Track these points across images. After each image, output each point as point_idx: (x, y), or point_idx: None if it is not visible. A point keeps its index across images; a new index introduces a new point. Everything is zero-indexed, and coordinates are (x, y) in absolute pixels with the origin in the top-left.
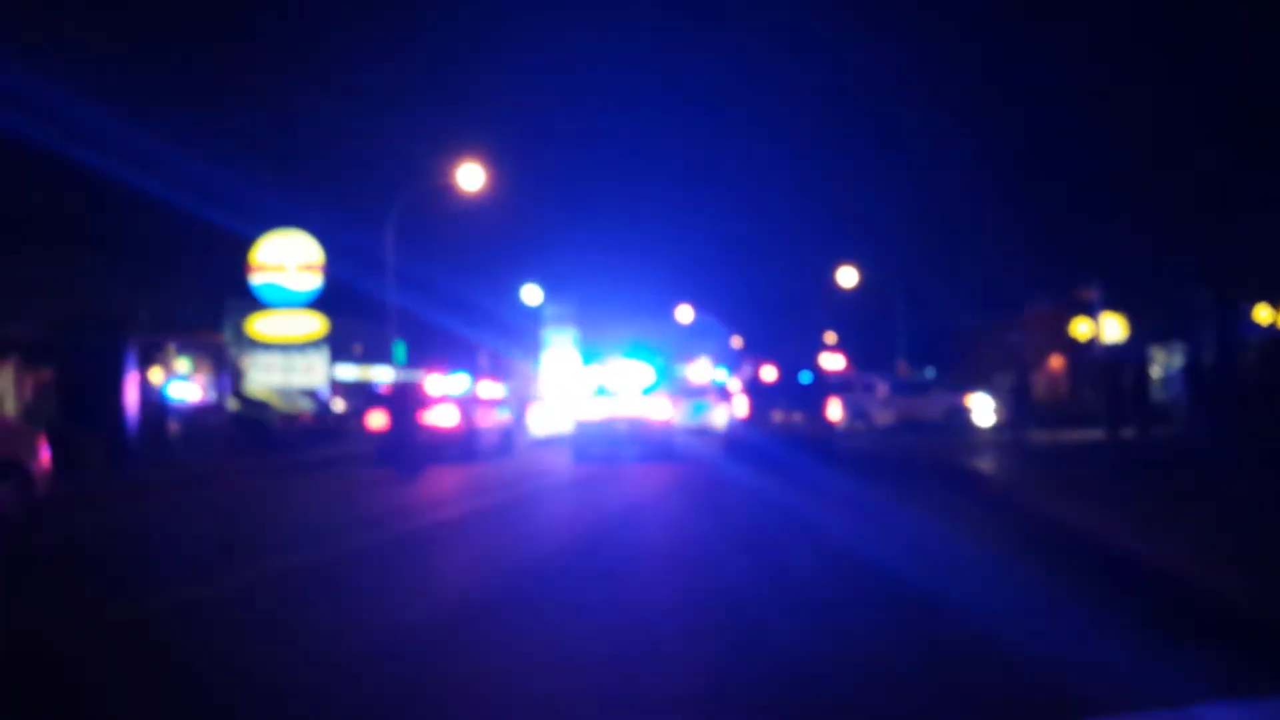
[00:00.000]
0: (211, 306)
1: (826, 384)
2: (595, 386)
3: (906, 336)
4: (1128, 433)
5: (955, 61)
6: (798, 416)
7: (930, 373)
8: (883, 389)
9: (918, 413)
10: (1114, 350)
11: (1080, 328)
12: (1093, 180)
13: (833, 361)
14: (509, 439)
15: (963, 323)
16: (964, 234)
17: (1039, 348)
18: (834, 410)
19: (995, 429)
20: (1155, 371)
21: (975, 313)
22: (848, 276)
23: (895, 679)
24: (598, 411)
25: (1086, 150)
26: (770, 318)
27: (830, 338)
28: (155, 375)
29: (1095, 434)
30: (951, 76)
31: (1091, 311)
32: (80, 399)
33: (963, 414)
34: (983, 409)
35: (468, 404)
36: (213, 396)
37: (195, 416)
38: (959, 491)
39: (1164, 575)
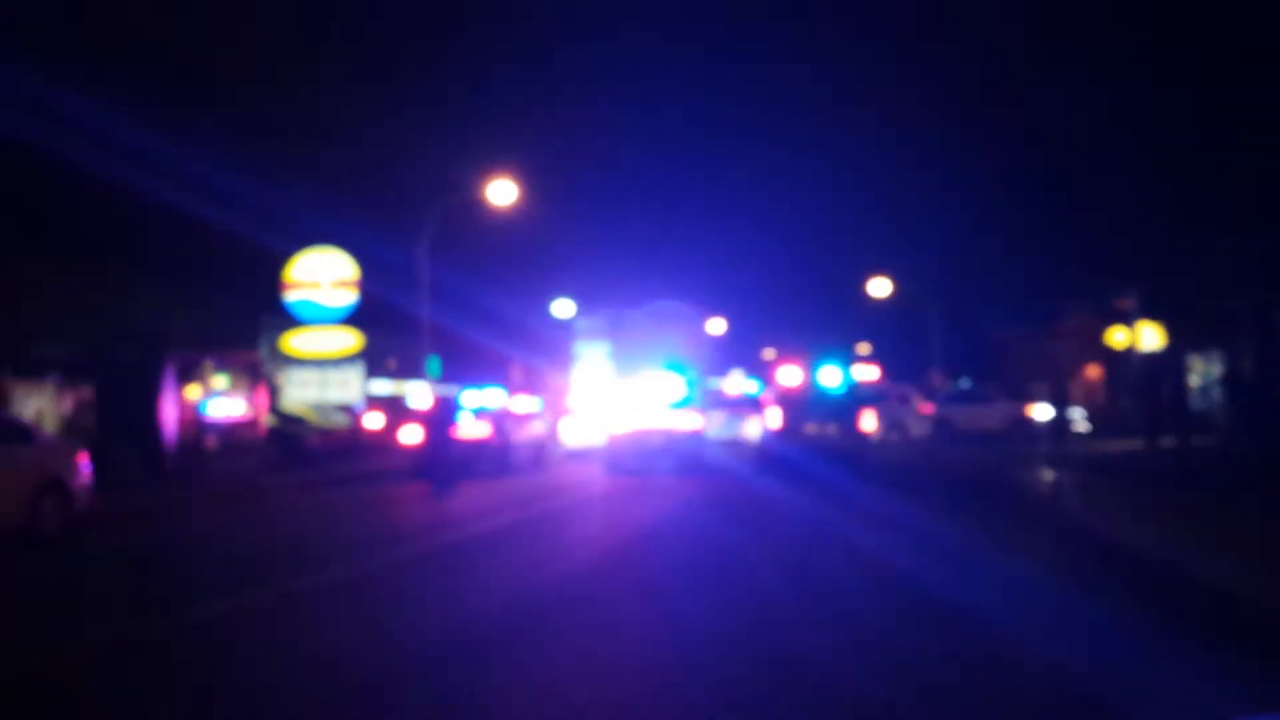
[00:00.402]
0: (248, 324)
1: (860, 395)
2: (627, 400)
3: (942, 347)
4: (1167, 442)
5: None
6: (831, 428)
7: (965, 383)
8: (917, 399)
9: (976, 423)
10: (1152, 360)
11: (1117, 337)
12: (1130, 188)
13: (867, 373)
14: (542, 453)
15: (998, 333)
16: (1000, 244)
17: (1076, 358)
18: (868, 421)
19: (1054, 439)
20: (1193, 381)
21: (1011, 323)
22: (881, 287)
23: (930, 694)
24: (630, 424)
25: (1124, 159)
26: (803, 329)
27: (864, 349)
28: (193, 392)
29: (1134, 444)
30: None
31: (1129, 320)
32: (120, 416)
33: (1024, 424)
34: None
35: (501, 418)
36: (249, 412)
37: (232, 432)
38: (993, 503)
39: (1212, 588)
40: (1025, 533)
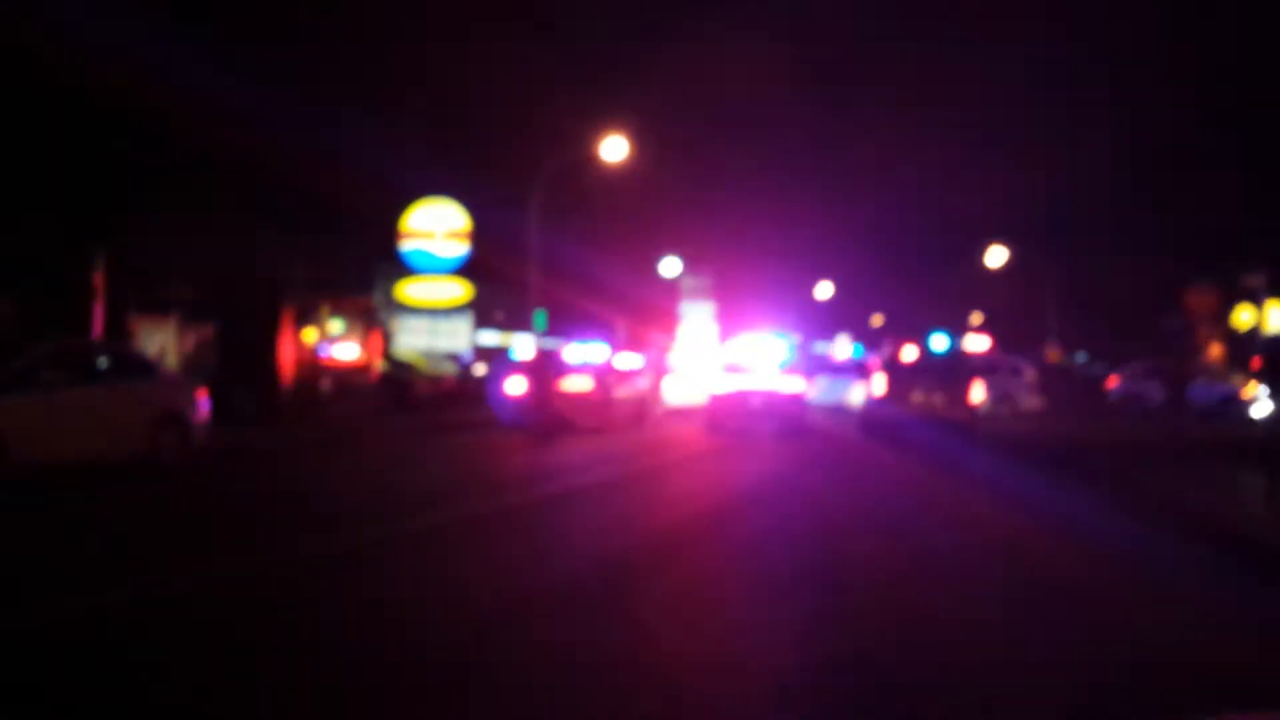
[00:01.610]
0: (364, 270)
1: (970, 365)
2: (729, 360)
3: (1058, 319)
4: None
5: (1123, 38)
6: (938, 398)
7: (1081, 357)
8: (1030, 373)
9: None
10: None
11: (1242, 315)
12: (1261, 161)
13: (978, 343)
14: (643, 409)
15: (1117, 307)
16: (1123, 216)
17: (1198, 335)
18: (977, 393)
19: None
20: None
21: (1132, 297)
22: (996, 256)
23: (1041, 668)
24: (732, 385)
25: (1255, 131)
26: (913, 296)
27: (976, 318)
28: (309, 335)
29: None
30: (1120, 52)
31: (1256, 299)
32: (238, 355)
33: (1239, 405)
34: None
35: (604, 373)
36: (362, 357)
37: (345, 376)
38: (1097, 478)
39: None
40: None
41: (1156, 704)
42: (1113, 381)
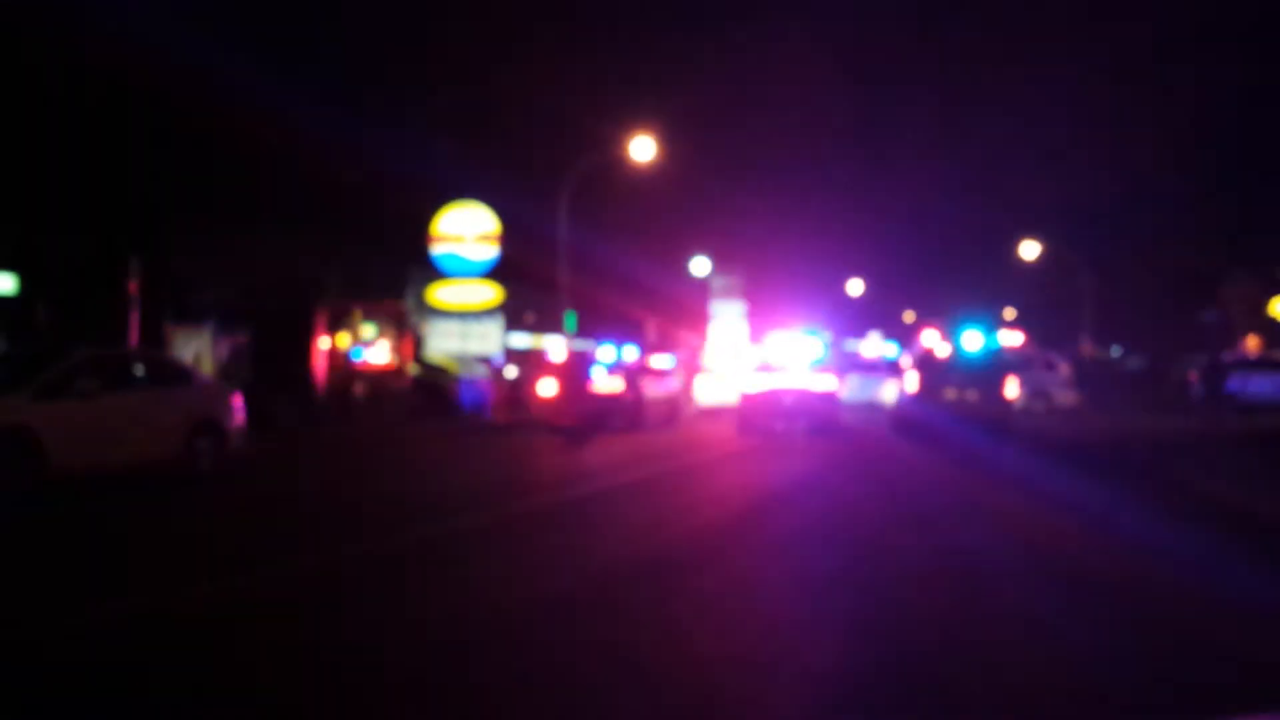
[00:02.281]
0: (395, 275)
1: (1004, 361)
2: (761, 359)
3: (1092, 314)
4: None
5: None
6: (972, 394)
7: (1116, 352)
8: (1065, 368)
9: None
10: None
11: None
12: None
13: (1011, 338)
14: (675, 409)
15: (1152, 301)
16: (1159, 207)
17: (1235, 328)
18: (1011, 389)
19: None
20: None
21: (1167, 290)
22: (1030, 250)
23: (1079, 666)
24: (764, 384)
25: None
26: (946, 292)
27: (1009, 314)
28: (342, 340)
29: None
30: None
31: None
32: (272, 361)
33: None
34: None
35: (635, 374)
36: (394, 361)
37: (379, 380)
38: (1136, 476)
39: None
40: None
41: (1198, 706)
42: (1193, 376)
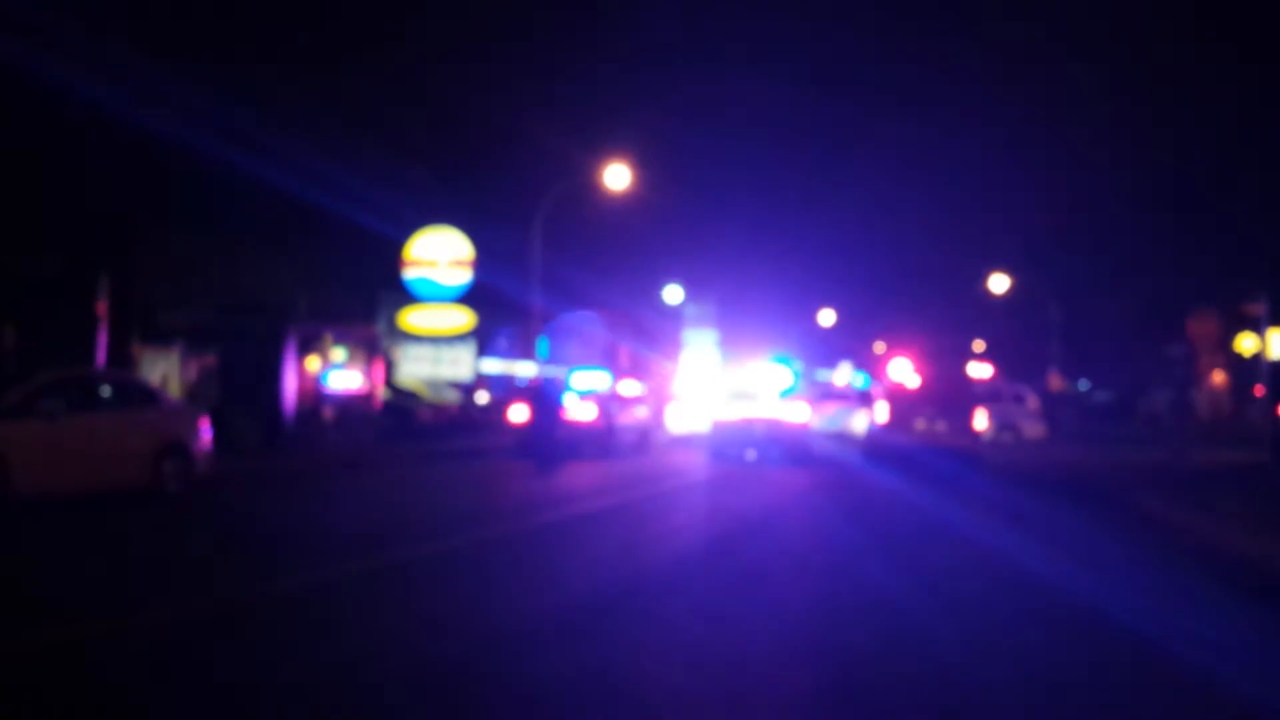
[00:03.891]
0: (367, 299)
1: (973, 393)
2: (733, 388)
3: (1060, 347)
4: None
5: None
6: (941, 425)
7: (1084, 385)
8: (1033, 400)
9: None
10: None
11: (1245, 343)
12: (1262, 189)
13: (980, 370)
14: (646, 437)
15: (1119, 335)
16: (1125, 243)
17: (1200, 363)
18: (980, 420)
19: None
20: None
21: (1134, 325)
22: (999, 283)
23: (1054, 693)
24: (735, 412)
25: (1256, 159)
26: (916, 323)
27: (978, 346)
28: (312, 363)
29: (1261, 455)
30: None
31: (1258, 327)
32: (241, 383)
33: None
34: None
35: (607, 401)
36: (365, 385)
37: (348, 404)
38: (1099, 508)
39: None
40: None
41: None
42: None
